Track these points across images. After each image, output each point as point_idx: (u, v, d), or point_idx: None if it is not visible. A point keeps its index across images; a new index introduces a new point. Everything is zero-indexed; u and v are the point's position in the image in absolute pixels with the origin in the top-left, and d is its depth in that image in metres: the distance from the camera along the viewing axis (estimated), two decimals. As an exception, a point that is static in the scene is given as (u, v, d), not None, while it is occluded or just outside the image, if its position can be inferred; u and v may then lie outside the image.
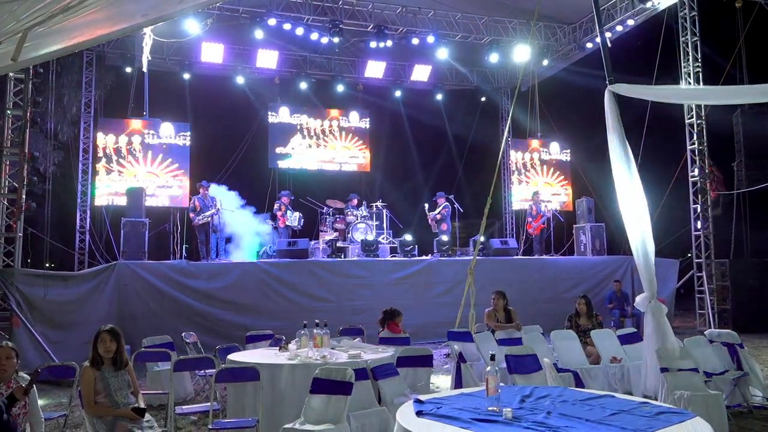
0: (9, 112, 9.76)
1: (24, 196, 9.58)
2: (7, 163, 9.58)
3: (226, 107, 15.68)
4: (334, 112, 16.80)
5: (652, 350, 5.76)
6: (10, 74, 9.46)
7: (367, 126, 17.10)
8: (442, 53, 14.86)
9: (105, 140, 13.87)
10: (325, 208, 13.92)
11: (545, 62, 15.86)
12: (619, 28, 13.91)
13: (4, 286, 8.92)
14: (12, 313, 8.85)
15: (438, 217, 13.49)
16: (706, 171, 12.87)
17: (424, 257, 12.46)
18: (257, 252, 12.88)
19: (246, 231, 13.73)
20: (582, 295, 7.85)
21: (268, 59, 15.27)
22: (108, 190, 13.74)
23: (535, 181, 16.91)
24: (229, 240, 12.95)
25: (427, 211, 13.85)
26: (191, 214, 11.81)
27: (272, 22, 13.19)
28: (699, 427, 3.24)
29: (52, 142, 13.50)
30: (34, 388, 4.17)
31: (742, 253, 12.96)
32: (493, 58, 15.20)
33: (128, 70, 14.39)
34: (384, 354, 5.75)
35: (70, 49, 3.88)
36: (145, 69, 13.53)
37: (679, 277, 13.00)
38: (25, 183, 9.52)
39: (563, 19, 15.08)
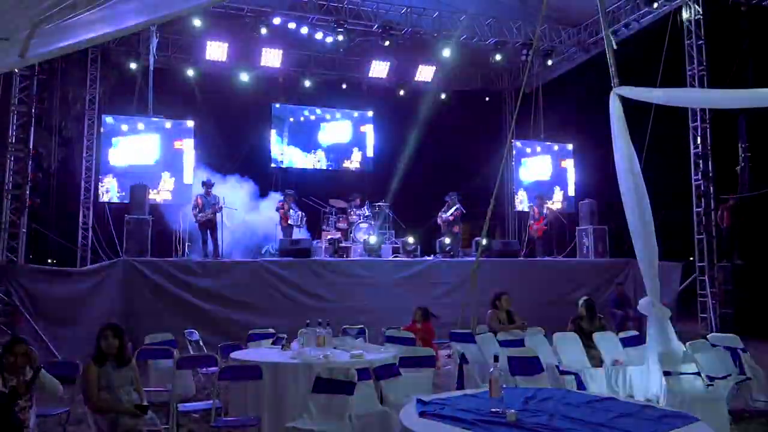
0: (14, 108, 9.79)
1: (28, 192, 9.61)
2: (12, 159, 9.61)
3: (230, 105, 15.70)
4: (337, 111, 16.83)
5: (655, 353, 5.76)
6: (16, 70, 9.48)
7: (371, 126, 17.13)
8: (447, 54, 14.86)
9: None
10: (328, 207, 13.93)
11: (549, 63, 15.85)
12: (624, 30, 13.90)
13: (7, 281, 8.94)
14: (15, 308, 8.88)
15: (451, 218, 13.42)
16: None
17: (426, 257, 12.45)
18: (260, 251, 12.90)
19: (249, 229, 13.76)
20: (586, 298, 7.84)
21: (272, 58, 15.27)
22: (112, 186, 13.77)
23: (538, 177, 16.89)
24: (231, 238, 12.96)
25: (442, 212, 13.74)
26: (194, 212, 11.81)
27: (277, 21, 13.22)
28: (702, 431, 3.23)
29: (57, 138, 13.52)
30: (42, 372, 4.20)
31: (745, 256, 12.94)
32: (498, 59, 15.20)
33: (133, 67, 14.42)
34: (386, 354, 5.75)
35: (76, 46, 3.89)
36: (151, 66, 13.56)
37: (682, 281, 12.98)
38: (29, 179, 9.56)
39: (568, 21, 15.07)
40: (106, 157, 13.71)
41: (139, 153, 13.86)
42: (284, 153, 16.14)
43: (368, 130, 17.10)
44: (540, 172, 16.89)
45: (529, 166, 16.86)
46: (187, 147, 14.16)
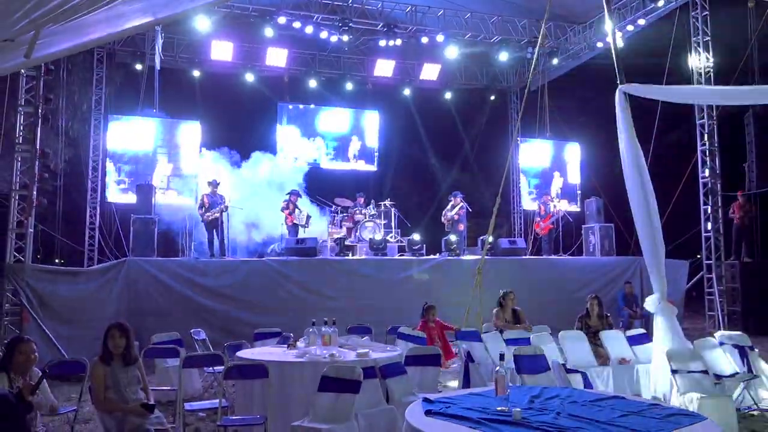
0: (21, 108, 9.82)
1: (35, 193, 9.64)
2: (19, 159, 9.65)
3: (236, 105, 15.74)
4: (343, 111, 16.85)
5: (662, 352, 5.74)
6: (22, 71, 9.51)
7: (376, 124, 17.13)
8: (452, 52, 14.83)
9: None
10: (334, 206, 13.93)
11: (555, 61, 15.80)
12: (630, 27, 13.84)
13: (14, 281, 8.98)
14: (23, 308, 8.92)
15: (456, 217, 13.41)
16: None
17: (432, 256, 12.44)
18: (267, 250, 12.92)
19: (254, 228, 13.78)
20: (594, 296, 7.82)
21: (277, 57, 15.31)
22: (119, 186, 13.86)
23: (538, 163, 16.88)
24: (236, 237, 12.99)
25: (447, 211, 13.74)
26: (200, 211, 11.84)
27: (282, 20, 13.22)
28: (709, 429, 3.22)
29: (63, 138, 13.58)
30: (45, 381, 4.21)
31: (752, 254, 12.88)
32: (503, 57, 15.18)
33: (138, 67, 14.46)
34: (392, 353, 5.75)
35: (82, 46, 3.91)
36: (158, 66, 13.60)
37: (689, 279, 12.92)
38: (36, 179, 9.58)
39: (573, 19, 15.02)
40: (104, 141, 13.93)
41: (136, 138, 13.97)
42: (284, 139, 16.19)
43: (369, 120, 17.11)
44: (540, 157, 16.89)
45: (529, 151, 16.84)
46: (189, 133, 14.20)
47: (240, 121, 15.82)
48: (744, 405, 6.01)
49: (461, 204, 13.43)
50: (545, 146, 16.94)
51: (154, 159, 13.92)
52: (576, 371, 6.06)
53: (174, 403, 5.73)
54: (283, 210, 12.94)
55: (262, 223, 13.93)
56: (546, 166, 16.88)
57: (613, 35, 7.02)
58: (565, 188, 16.76)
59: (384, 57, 15.96)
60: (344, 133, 16.85)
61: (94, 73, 14.40)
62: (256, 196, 14.25)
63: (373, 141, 17.06)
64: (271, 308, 10.54)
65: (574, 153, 17.14)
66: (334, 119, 16.82)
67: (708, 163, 12.73)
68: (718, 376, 5.89)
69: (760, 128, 13.40)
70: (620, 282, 12.37)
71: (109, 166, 13.83)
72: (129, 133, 13.93)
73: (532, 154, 16.89)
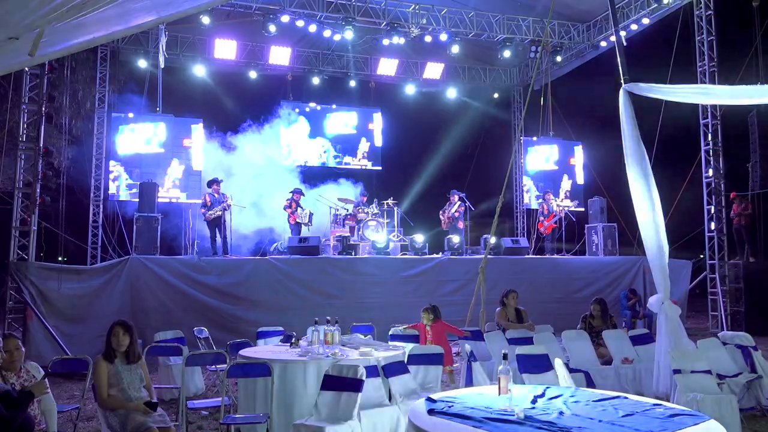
0: (24, 106, 9.85)
1: (38, 190, 9.67)
2: (22, 157, 9.68)
3: (239, 103, 15.75)
4: (350, 112, 16.85)
5: (665, 351, 5.73)
6: (26, 69, 9.54)
7: (380, 123, 17.13)
8: (455, 51, 14.82)
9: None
10: (336, 205, 13.93)
11: (558, 59, 15.78)
12: (634, 26, 13.80)
13: (18, 279, 9.01)
14: (26, 306, 8.94)
15: (456, 215, 13.42)
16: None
17: (434, 255, 12.44)
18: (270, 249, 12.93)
19: (257, 227, 13.78)
20: (598, 298, 7.83)
21: (280, 56, 15.33)
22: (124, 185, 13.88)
23: (545, 166, 16.86)
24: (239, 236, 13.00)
25: (444, 209, 13.75)
26: (202, 210, 11.84)
27: (285, 18, 13.22)
28: (713, 429, 3.21)
29: (66, 136, 13.60)
30: (46, 379, 4.23)
31: (756, 254, 12.85)
32: (506, 56, 15.16)
33: (142, 65, 14.48)
34: (395, 352, 5.75)
35: (85, 44, 3.91)
36: (162, 65, 13.60)
37: (692, 278, 12.90)
38: (39, 177, 9.62)
39: (577, 18, 14.99)
40: (113, 144, 13.90)
41: (147, 140, 13.97)
42: (288, 138, 16.17)
43: (376, 121, 17.12)
44: (548, 160, 16.85)
45: (536, 154, 16.81)
46: (194, 132, 14.21)
47: (243, 119, 15.82)
48: (747, 405, 6.00)
49: (459, 202, 13.43)
50: (553, 149, 16.90)
51: (165, 162, 13.92)
52: (579, 371, 6.07)
53: (177, 401, 5.74)
54: (285, 208, 12.95)
55: (264, 221, 13.94)
56: (555, 169, 16.84)
57: (617, 34, 7.00)
58: (573, 189, 16.72)
59: (387, 56, 15.96)
60: (352, 135, 16.85)
61: (97, 71, 14.41)
62: (258, 194, 14.26)
63: (380, 141, 17.08)
64: (274, 307, 10.56)
65: (579, 153, 17.11)
66: (341, 121, 16.79)
67: (712, 162, 12.70)
68: (722, 376, 5.88)
69: (764, 128, 13.35)
70: (623, 281, 12.37)
71: (120, 169, 13.80)
72: (139, 136, 13.92)
73: (540, 156, 16.84)
